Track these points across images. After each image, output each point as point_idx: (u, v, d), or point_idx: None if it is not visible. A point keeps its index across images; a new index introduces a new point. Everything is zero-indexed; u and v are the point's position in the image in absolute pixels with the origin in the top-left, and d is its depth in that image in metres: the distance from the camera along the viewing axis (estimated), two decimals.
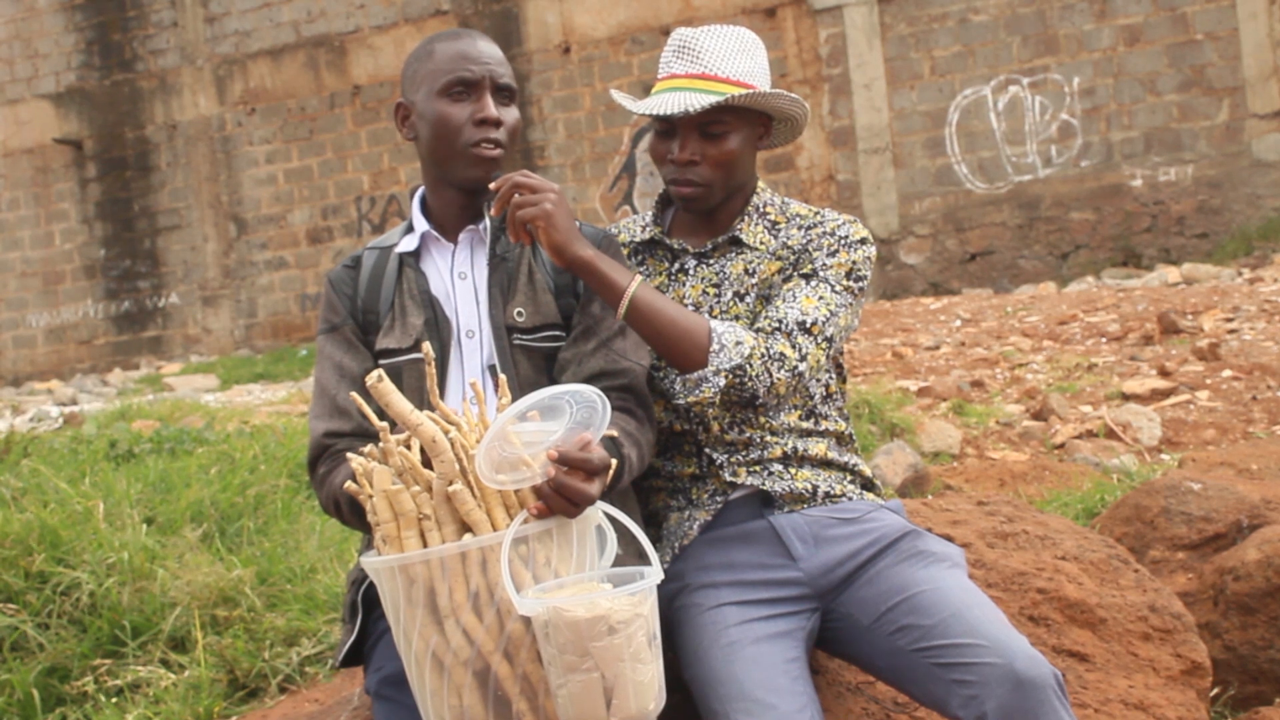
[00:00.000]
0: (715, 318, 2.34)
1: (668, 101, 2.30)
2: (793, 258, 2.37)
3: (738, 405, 2.27)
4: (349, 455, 1.90)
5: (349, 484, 1.87)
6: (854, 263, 2.33)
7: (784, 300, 2.28)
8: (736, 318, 2.34)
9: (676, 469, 2.38)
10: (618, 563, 1.92)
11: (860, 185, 12.50)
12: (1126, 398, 6.18)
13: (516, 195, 2.11)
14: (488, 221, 2.30)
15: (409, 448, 1.86)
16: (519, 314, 2.24)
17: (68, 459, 5.26)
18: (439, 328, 2.24)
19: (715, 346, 2.18)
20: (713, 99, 2.27)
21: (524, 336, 2.24)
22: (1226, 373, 6.30)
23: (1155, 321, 7.45)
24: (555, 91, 13.60)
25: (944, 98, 12.28)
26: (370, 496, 1.84)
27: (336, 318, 2.29)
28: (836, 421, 2.41)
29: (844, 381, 2.46)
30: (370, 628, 2.22)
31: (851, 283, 2.32)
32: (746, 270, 2.37)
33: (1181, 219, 11.57)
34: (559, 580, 1.83)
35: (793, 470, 2.33)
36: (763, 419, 2.34)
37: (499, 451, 1.80)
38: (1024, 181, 12.07)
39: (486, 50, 2.27)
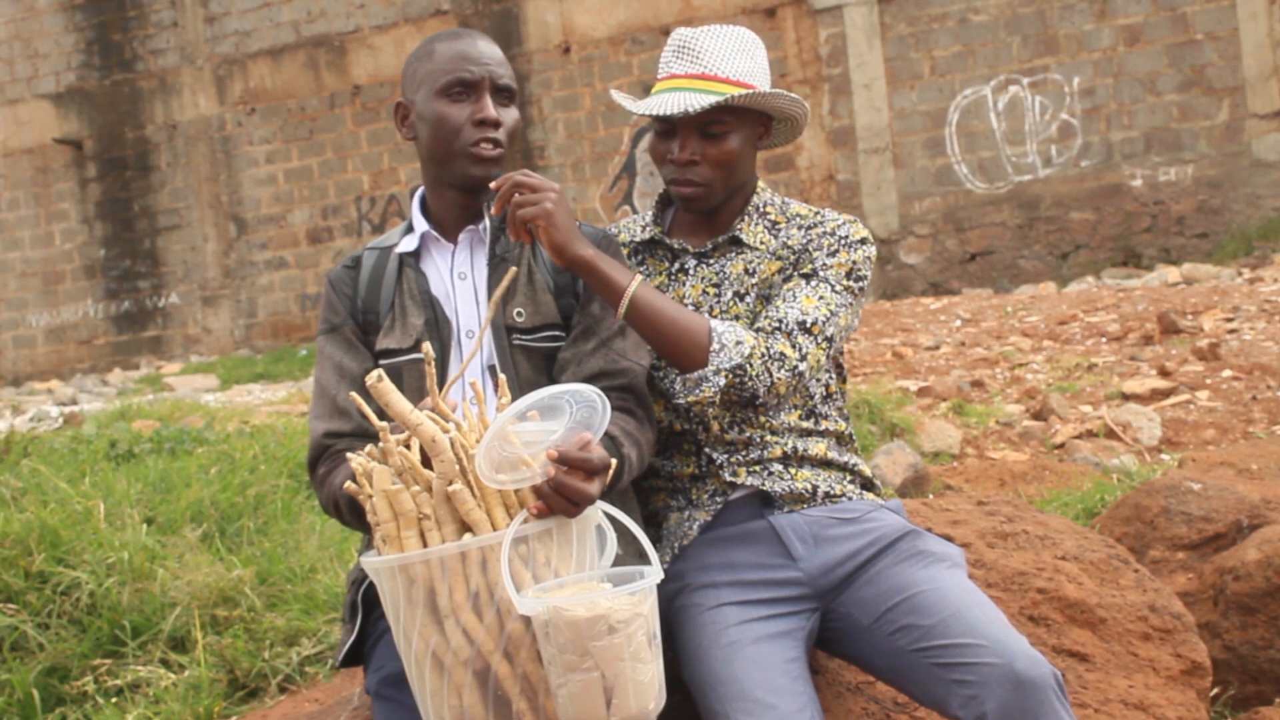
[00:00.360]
0: (715, 317, 2.34)
1: (668, 102, 2.30)
2: (793, 257, 2.37)
3: (738, 405, 2.27)
4: (349, 455, 1.90)
5: (349, 484, 1.87)
6: (854, 263, 2.33)
7: (784, 300, 2.28)
8: (736, 317, 2.34)
9: (676, 469, 2.38)
10: (618, 563, 1.92)
11: (860, 185, 12.50)
12: (1126, 398, 6.18)
13: (517, 194, 2.12)
14: (487, 221, 2.30)
15: (409, 448, 1.86)
16: (518, 314, 2.24)
17: (68, 459, 5.26)
18: (439, 328, 2.24)
19: (715, 346, 2.18)
20: (713, 99, 2.27)
21: (524, 337, 2.24)
22: (1226, 373, 6.30)
23: (1155, 321, 7.45)
24: (555, 91, 13.60)
25: (944, 98, 12.29)
26: (370, 496, 1.84)
27: (336, 318, 2.30)
28: (836, 421, 2.41)
29: (844, 381, 2.46)
30: (370, 628, 2.22)
31: (852, 283, 2.32)
32: (746, 270, 2.37)
33: (1181, 219, 11.57)
34: (559, 580, 1.83)
35: (793, 470, 2.33)
36: (763, 418, 2.34)
37: (499, 451, 1.80)
38: (1024, 181, 12.07)
39: (486, 51, 2.27)
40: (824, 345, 2.26)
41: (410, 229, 2.33)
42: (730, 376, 2.18)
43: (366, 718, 2.51)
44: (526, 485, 1.83)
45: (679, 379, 2.23)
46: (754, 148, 2.40)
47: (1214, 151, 11.46)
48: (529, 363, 2.23)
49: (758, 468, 2.33)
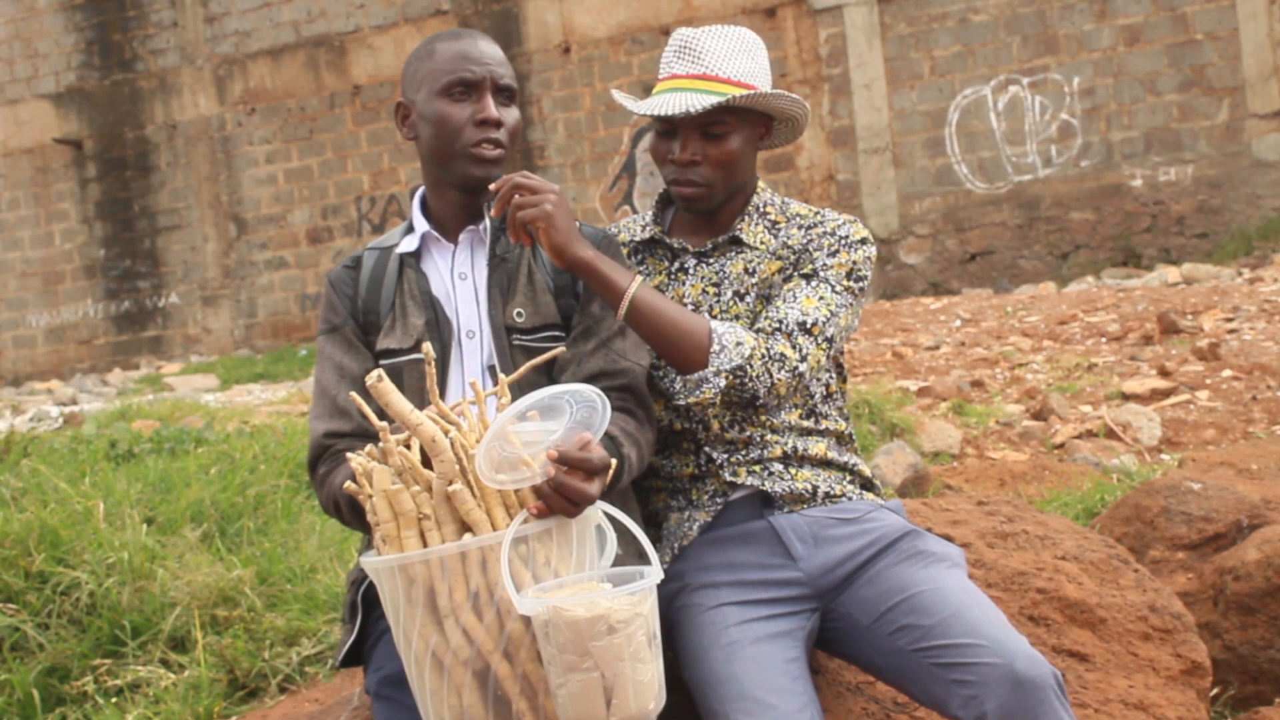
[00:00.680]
0: (715, 317, 2.34)
1: (669, 102, 2.30)
2: (793, 257, 2.37)
3: (738, 405, 2.27)
4: (349, 455, 1.90)
5: (349, 484, 1.87)
6: (854, 263, 2.33)
7: (784, 300, 2.28)
8: (736, 317, 2.34)
9: (676, 469, 2.38)
10: (618, 563, 1.92)
11: (860, 185, 12.50)
12: (1126, 398, 6.18)
13: (516, 196, 2.11)
14: (488, 222, 2.30)
15: (409, 448, 1.86)
16: (518, 314, 2.24)
17: (68, 459, 5.26)
18: (440, 328, 2.24)
19: (716, 347, 2.18)
20: (714, 99, 2.27)
21: (523, 337, 2.24)
22: (1226, 373, 6.30)
23: (1155, 321, 7.45)
24: (555, 91, 13.60)
25: (944, 98, 12.29)
26: (370, 496, 1.84)
27: (337, 318, 2.29)
28: (836, 421, 2.41)
29: (844, 381, 2.46)
30: (370, 628, 2.22)
31: (852, 283, 2.32)
32: (746, 270, 2.37)
33: (1181, 219, 11.57)
34: (559, 580, 1.83)
35: (792, 470, 2.33)
36: (763, 417, 2.34)
37: (499, 451, 1.80)
38: (1024, 181, 12.07)
39: (488, 51, 2.27)
40: (824, 345, 2.26)
41: (411, 229, 2.33)
42: (730, 377, 2.18)
43: (366, 718, 2.51)
44: (526, 485, 1.83)
45: (679, 380, 2.23)
46: (755, 148, 2.41)
47: (1214, 151, 11.46)
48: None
49: (757, 467, 2.33)
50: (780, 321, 2.25)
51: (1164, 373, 6.40)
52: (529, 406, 1.82)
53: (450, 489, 1.80)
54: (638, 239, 2.47)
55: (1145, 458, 5.34)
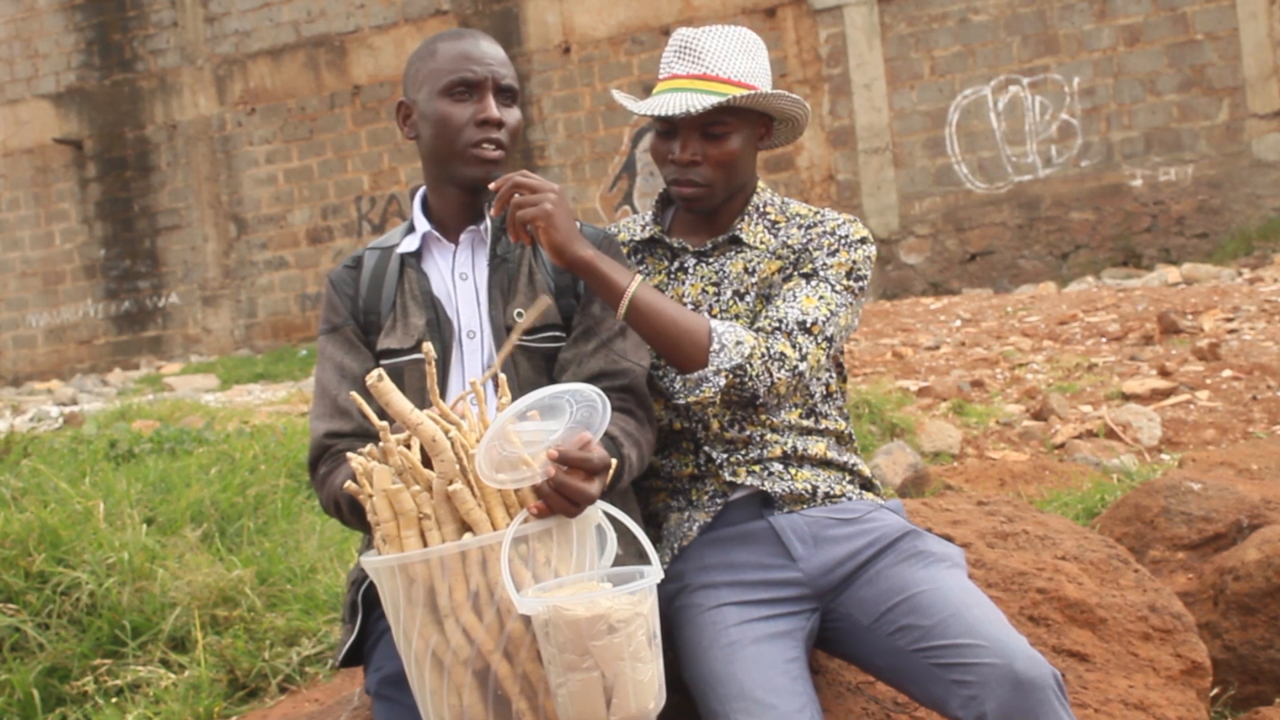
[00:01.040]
0: (715, 317, 2.34)
1: (669, 102, 2.30)
2: (793, 257, 2.37)
3: (738, 405, 2.27)
4: (349, 455, 1.90)
5: (349, 484, 1.87)
6: (854, 262, 2.33)
7: (784, 300, 2.28)
8: (736, 317, 2.34)
9: (676, 468, 2.38)
10: (618, 562, 1.92)
11: (860, 185, 12.51)
12: (1126, 398, 6.18)
13: (516, 195, 2.11)
14: (489, 222, 2.30)
15: (409, 447, 1.86)
16: (519, 315, 2.24)
17: (68, 459, 5.26)
18: (440, 328, 2.24)
19: (715, 346, 2.18)
20: (714, 100, 2.27)
21: (524, 337, 2.24)
22: (1226, 373, 6.30)
23: (1155, 321, 7.45)
24: (555, 91, 13.60)
25: (944, 98, 12.29)
26: (370, 496, 1.84)
27: (338, 318, 2.29)
28: (836, 421, 2.41)
29: (844, 381, 2.46)
30: (370, 628, 2.22)
31: (852, 282, 2.32)
32: (746, 269, 2.38)
33: (1181, 219, 11.57)
34: (559, 579, 1.83)
35: (792, 470, 2.33)
36: (763, 417, 2.34)
37: (499, 451, 1.80)
38: (1024, 181, 12.07)
39: (489, 51, 2.27)
40: (824, 345, 2.26)
41: (411, 229, 2.33)
42: (730, 377, 2.18)
43: (366, 718, 2.51)
44: (526, 485, 1.83)
45: (679, 379, 2.23)
46: (755, 148, 2.41)
47: (1214, 151, 11.46)
48: (529, 363, 2.23)
49: (757, 467, 2.33)
50: (780, 321, 2.25)
51: (1164, 373, 6.40)
52: (529, 406, 1.82)
53: (450, 489, 1.80)
54: (638, 239, 2.47)
55: (1145, 458, 5.34)
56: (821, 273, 2.31)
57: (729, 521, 2.32)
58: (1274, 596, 3.06)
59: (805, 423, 2.36)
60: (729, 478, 2.32)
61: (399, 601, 1.81)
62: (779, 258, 2.38)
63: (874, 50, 12.43)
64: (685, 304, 2.37)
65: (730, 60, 2.33)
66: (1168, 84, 11.60)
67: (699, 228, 2.44)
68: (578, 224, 2.19)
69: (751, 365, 2.19)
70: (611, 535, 1.92)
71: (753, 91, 2.31)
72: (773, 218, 2.42)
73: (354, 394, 1.95)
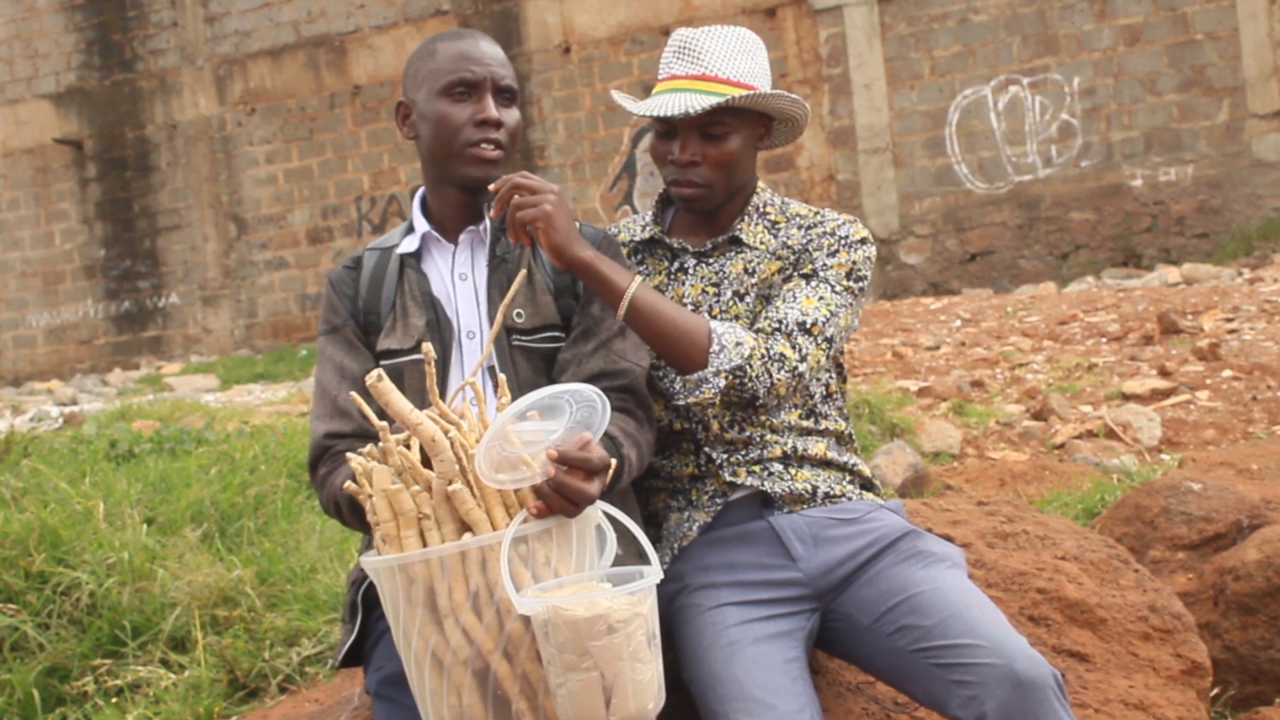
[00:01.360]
0: (715, 317, 2.34)
1: (668, 103, 2.30)
2: (793, 257, 2.37)
3: (738, 405, 2.27)
4: (349, 455, 1.90)
5: (349, 484, 1.87)
6: (854, 263, 2.33)
7: (784, 300, 2.28)
8: (736, 317, 2.34)
9: (676, 469, 2.38)
10: (618, 562, 1.92)
11: (860, 185, 12.51)
12: (1126, 398, 6.18)
13: (516, 196, 2.11)
14: (488, 222, 2.30)
15: (409, 447, 1.86)
16: (518, 315, 2.24)
17: (68, 459, 5.26)
18: (440, 329, 2.24)
19: (715, 347, 2.18)
20: (714, 100, 2.27)
21: (523, 338, 2.24)
22: (1226, 373, 6.30)
23: (1155, 321, 7.45)
24: (555, 91, 13.60)
25: (944, 98, 12.29)
26: (370, 496, 1.84)
27: (337, 319, 2.29)
28: (836, 421, 2.41)
29: (844, 381, 2.46)
30: (370, 628, 2.22)
31: (851, 283, 2.32)
32: (746, 270, 2.37)
33: (1181, 219, 11.57)
34: (558, 579, 1.83)
35: (792, 470, 2.33)
36: (763, 417, 2.34)
37: (499, 451, 1.80)
38: (1024, 181, 12.07)
39: (489, 51, 2.27)
40: (824, 346, 2.26)
41: (411, 229, 2.33)
42: (730, 378, 2.18)
43: (366, 718, 2.51)
44: (526, 485, 1.83)
45: (679, 380, 2.23)
46: (754, 148, 2.40)
47: (1214, 151, 11.46)
48: (529, 363, 2.23)
49: (757, 468, 2.33)
50: (780, 321, 2.25)
51: (1164, 373, 6.40)
52: (529, 406, 1.82)
53: (450, 489, 1.80)
54: (638, 239, 2.47)
55: (1145, 458, 5.34)
56: (821, 273, 2.31)
57: (729, 521, 2.32)
58: (1274, 596, 3.06)
59: (805, 423, 2.36)
60: (729, 478, 2.32)
61: (399, 602, 1.81)
62: (779, 258, 2.38)
63: (874, 50, 12.43)
64: (685, 304, 2.37)
65: (729, 60, 2.32)
66: (1168, 84, 11.60)
67: (699, 228, 2.44)
68: (577, 224, 2.19)
69: (751, 366, 2.19)
70: (611, 535, 1.92)
71: (752, 92, 2.31)
72: (773, 218, 2.42)
73: (354, 394, 1.95)
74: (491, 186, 2.15)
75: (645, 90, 12.51)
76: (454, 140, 2.23)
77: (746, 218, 2.41)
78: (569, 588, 1.81)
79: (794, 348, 2.23)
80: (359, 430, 2.18)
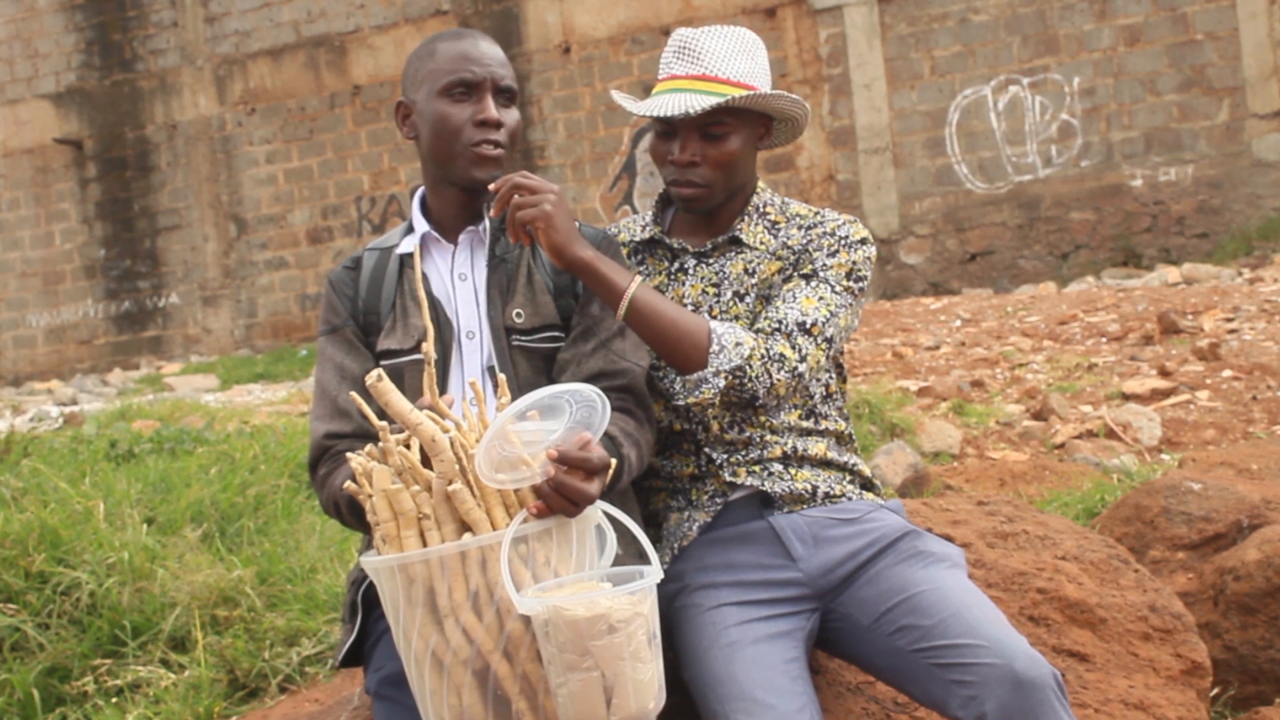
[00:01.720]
0: (715, 317, 2.34)
1: (668, 103, 2.30)
2: (793, 258, 2.37)
3: (738, 406, 2.27)
4: (349, 455, 1.90)
5: (348, 484, 1.87)
6: (854, 263, 2.33)
7: (784, 301, 2.28)
8: (736, 318, 2.34)
9: (676, 469, 2.38)
10: (618, 562, 1.92)
11: (860, 185, 12.51)
12: (1126, 398, 6.18)
13: (516, 196, 2.11)
14: (487, 222, 2.30)
15: (409, 447, 1.86)
16: (518, 315, 2.24)
17: (68, 459, 5.26)
18: (440, 329, 2.24)
19: (715, 348, 2.18)
20: (714, 100, 2.27)
21: (523, 338, 2.24)
22: (1226, 373, 6.30)
23: (1155, 321, 7.45)
24: (555, 91, 13.60)
25: (944, 98, 12.29)
26: (370, 496, 1.84)
27: (337, 319, 2.29)
28: (836, 421, 2.41)
29: (844, 381, 2.46)
30: (370, 628, 2.22)
31: (851, 283, 2.32)
32: (746, 270, 2.37)
33: (1181, 219, 11.57)
34: (558, 579, 1.83)
35: (792, 470, 2.33)
36: (763, 418, 2.34)
37: (499, 451, 1.80)
38: (1024, 181, 12.08)
39: (488, 51, 2.27)
40: (824, 346, 2.26)
41: (410, 229, 2.33)
42: (730, 378, 2.18)
43: (366, 718, 2.51)
44: (526, 485, 1.83)
45: (679, 380, 2.23)
46: (754, 148, 2.40)
47: (1214, 151, 11.46)
48: (528, 363, 2.23)
49: (757, 468, 2.33)
50: (780, 322, 2.25)
51: (1164, 373, 6.40)
52: (529, 406, 1.82)
53: (450, 489, 1.80)
54: (638, 239, 2.47)
55: (1145, 458, 5.34)
56: (821, 273, 2.31)
57: (729, 521, 2.32)
58: (1274, 596, 3.06)
59: (805, 423, 2.36)
60: (729, 478, 2.32)
61: (399, 602, 1.81)
62: (779, 258, 2.38)
63: (874, 50, 12.43)
64: (685, 305, 2.37)
65: (729, 61, 2.32)
66: (1168, 84, 11.60)
67: (699, 228, 2.44)
68: (577, 224, 2.18)
69: (751, 366, 2.18)
70: (611, 535, 1.92)
71: (752, 92, 2.31)
72: (773, 218, 2.42)
73: (354, 394, 1.95)
74: (491, 186, 2.15)
75: (645, 90, 12.51)
76: (454, 140, 2.23)
77: (746, 218, 2.41)
78: (569, 588, 1.81)
79: (794, 348, 2.22)
80: (359, 430, 2.17)
